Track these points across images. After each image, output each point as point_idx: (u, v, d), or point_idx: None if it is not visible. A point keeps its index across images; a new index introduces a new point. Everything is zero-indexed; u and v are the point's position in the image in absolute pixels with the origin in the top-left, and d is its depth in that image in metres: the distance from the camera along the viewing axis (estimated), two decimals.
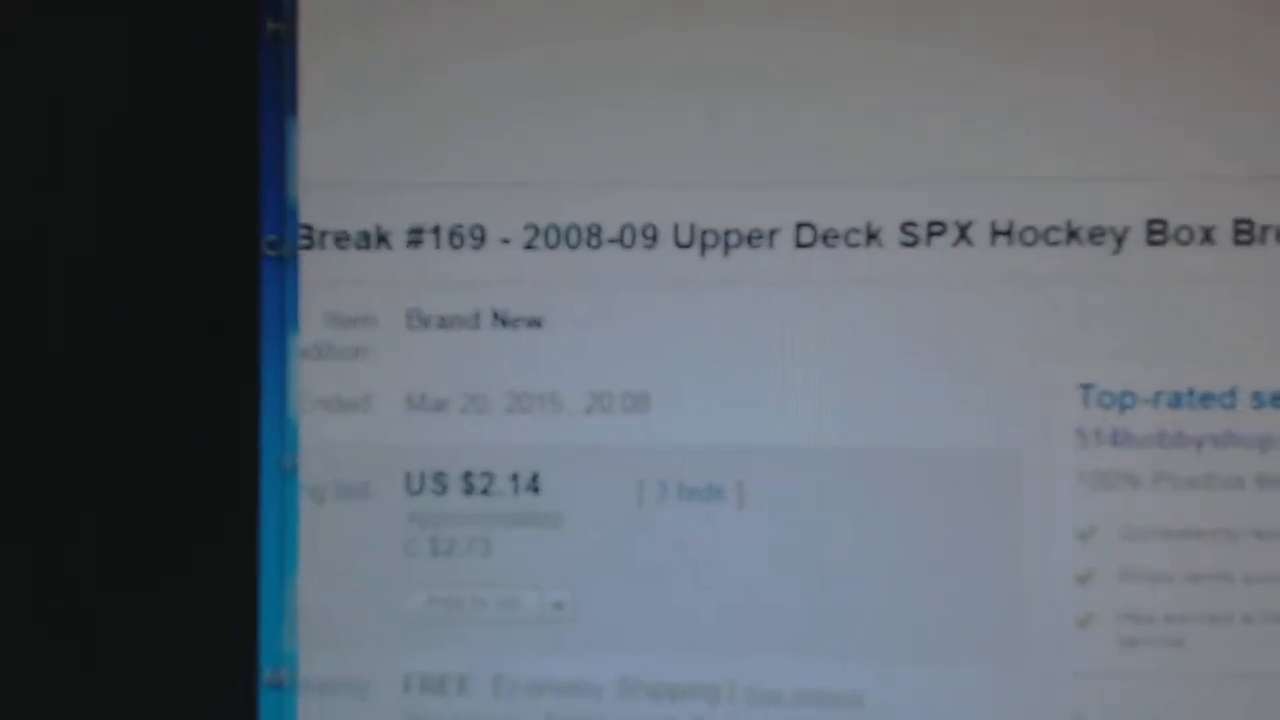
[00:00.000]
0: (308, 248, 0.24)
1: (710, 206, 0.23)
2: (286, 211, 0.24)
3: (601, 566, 0.24)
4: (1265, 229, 0.23)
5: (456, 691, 0.24)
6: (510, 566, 0.24)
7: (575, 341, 0.24)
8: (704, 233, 0.24)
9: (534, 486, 0.24)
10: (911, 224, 0.23)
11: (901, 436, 0.23)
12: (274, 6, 0.24)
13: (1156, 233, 0.23)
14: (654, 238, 0.24)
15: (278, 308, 0.24)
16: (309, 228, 0.24)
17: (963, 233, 0.23)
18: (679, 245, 0.24)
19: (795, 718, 0.23)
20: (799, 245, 0.23)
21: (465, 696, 0.24)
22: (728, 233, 0.23)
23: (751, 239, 0.23)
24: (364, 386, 0.24)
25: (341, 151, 0.24)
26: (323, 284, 0.24)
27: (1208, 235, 0.23)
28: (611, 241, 0.24)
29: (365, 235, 0.24)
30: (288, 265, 0.24)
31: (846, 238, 0.23)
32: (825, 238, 0.23)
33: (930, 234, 0.23)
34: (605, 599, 0.24)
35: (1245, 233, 0.23)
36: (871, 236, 0.23)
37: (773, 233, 0.23)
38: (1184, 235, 0.23)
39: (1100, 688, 0.23)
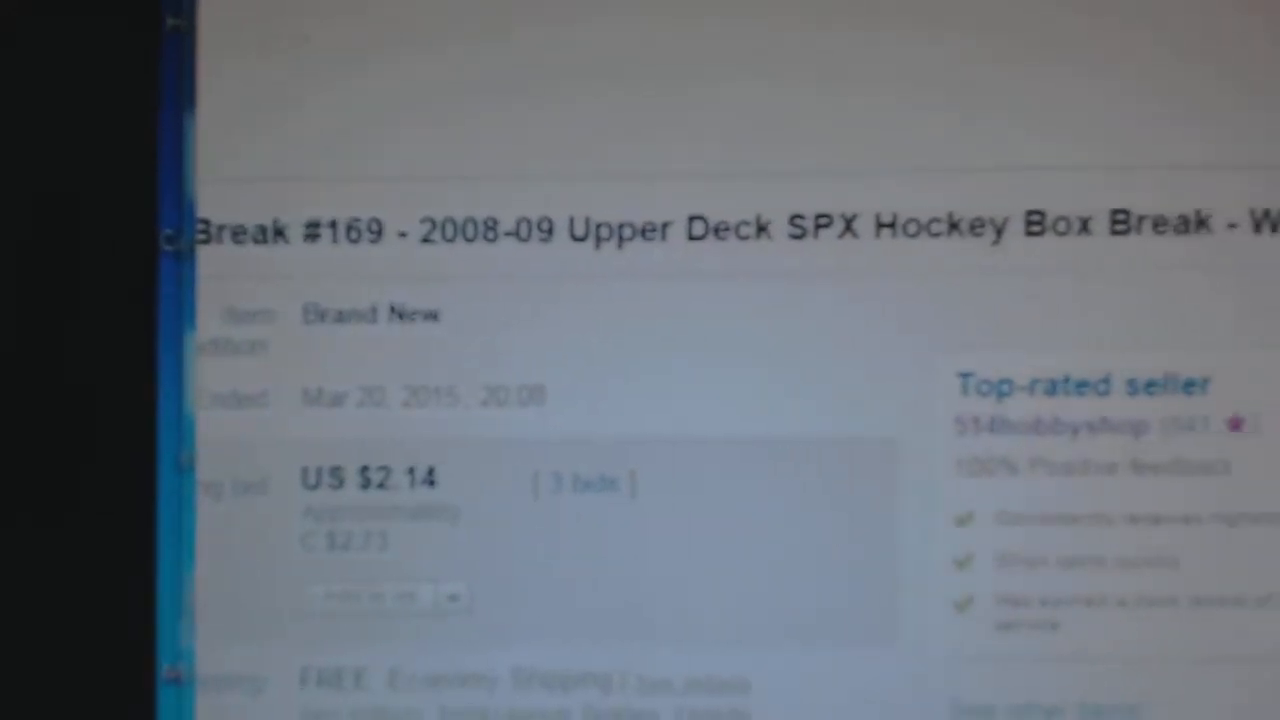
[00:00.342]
0: (205, 242, 0.24)
1: (605, 199, 0.24)
2: (184, 206, 0.24)
3: (497, 559, 0.24)
4: (1141, 219, 0.24)
5: (353, 685, 0.24)
6: (407, 560, 0.24)
7: (472, 335, 0.24)
8: (599, 225, 0.24)
9: (430, 480, 0.24)
10: (799, 216, 0.24)
11: (787, 425, 0.24)
12: (174, 3, 0.24)
13: (1035, 223, 0.24)
14: (550, 231, 0.24)
15: (175, 303, 0.24)
16: (206, 222, 0.24)
17: (848, 225, 0.24)
18: (574, 238, 0.24)
19: (685, 705, 0.24)
20: (691, 238, 0.24)
21: (361, 690, 0.24)
22: (622, 225, 0.24)
23: (645, 232, 0.24)
24: (261, 382, 0.24)
25: (239, 146, 0.24)
26: (220, 279, 0.24)
27: (1085, 225, 0.23)
28: (508, 235, 0.24)
29: (262, 229, 0.24)
30: (185, 260, 0.24)
31: (737, 230, 0.24)
32: (716, 230, 0.24)
33: (817, 226, 0.24)
34: (501, 591, 0.24)
35: (1122, 223, 0.24)
36: (761, 229, 0.24)
37: (665, 225, 0.24)
38: (1061, 226, 0.23)
39: (978, 670, 0.24)
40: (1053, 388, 0.24)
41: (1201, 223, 0.23)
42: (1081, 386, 0.24)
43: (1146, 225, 0.24)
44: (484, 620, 0.24)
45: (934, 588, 0.24)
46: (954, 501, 0.24)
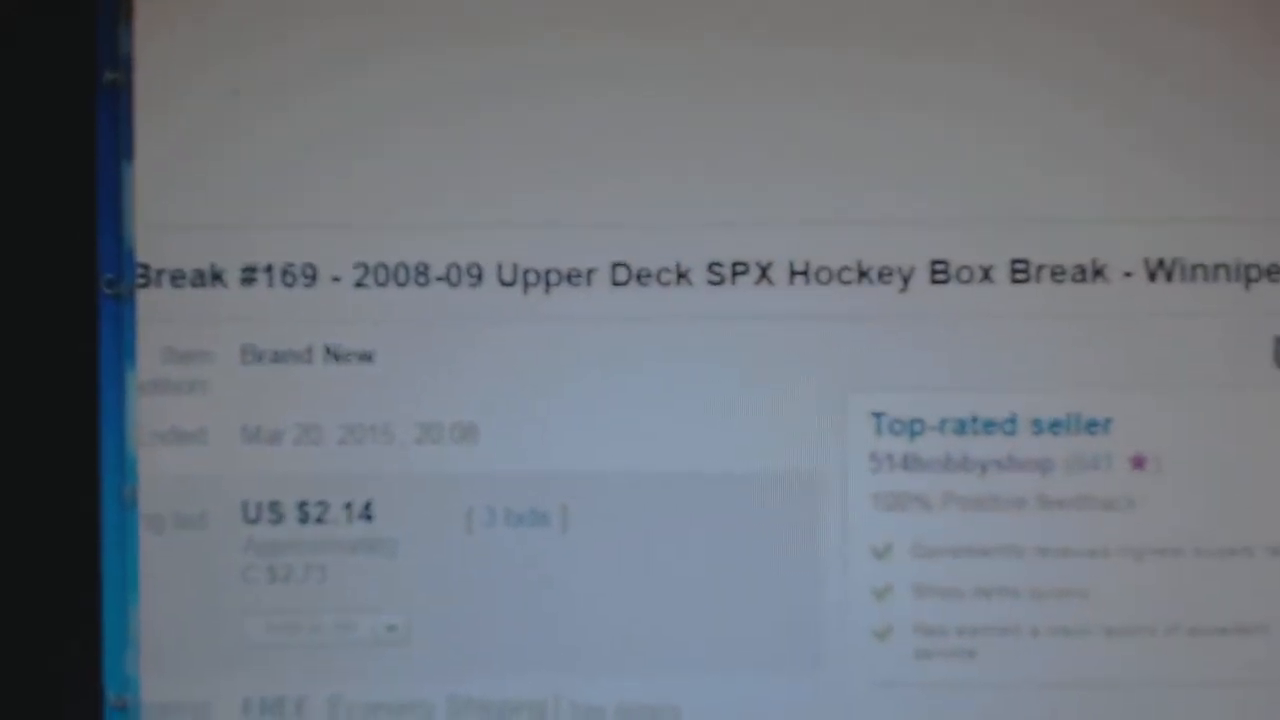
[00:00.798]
0: (145, 286, 0.24)
1: (532, 247, 0.25)
2: (124, 252, 0.25)
3: (433, 590, 0.25)
4: (1040, 268, 0.25)
5: (294, 713, 0.25)
6: (345, 592, 0.25)
7: (405, 375, 0.25)
8: (526, 272, 0.25)
9: (367, 514, 0.25)
10: (718, 264, 0.25)
11: (713, 461, 0.24)
12: (110, 58, 0.25)
13: (940, 272, 0.25)
14: (479, 276, 0.25)
15: (116, 344, 0.24)
16: (146, 267, 0.25)
17: (764, 272, 0.25)
18: (503, 283, 0.25)
19: None
20: (615, 284, 0.25)
21: (302, 718, 0.25)
22: (548, 272, 0.25)
23: (571, 278, 0.25)
24: (201, 420, 0.24)
25: (177, 194, 0.25)
26: (160, 321, 0.24)
27: (986, 274, 0.25)
28: (439, 279, 0.25)
29: (200, 274, 0.25)
30: (125, 303, 0.24)
31: (658, 277, 0.25)
32: (639, 277, 0.25)
33: (735, 273, 0.25)
34: (437, 622, 0.25)
35: (1021, 272, 0.25)
36: (681, 275, 0.25)
37: (590, 272, 0.25)
38: (965, 274, 0.24)
39: (899, 696, 0.25)
40: (962, 427, 0.24)
41: (1098, 272, 0.24)
42: (989, 426, 0.24)
43: (1045, 274, 0.24)
44: (421, 650, 0.25)
45: (855, 617, 0.24)
46: (871, 534, 0.24)
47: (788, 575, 0.24)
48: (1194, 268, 0.25)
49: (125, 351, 0.25)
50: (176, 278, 0.25)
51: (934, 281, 0.25)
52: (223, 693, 0.25)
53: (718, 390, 0.25)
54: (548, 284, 0.25)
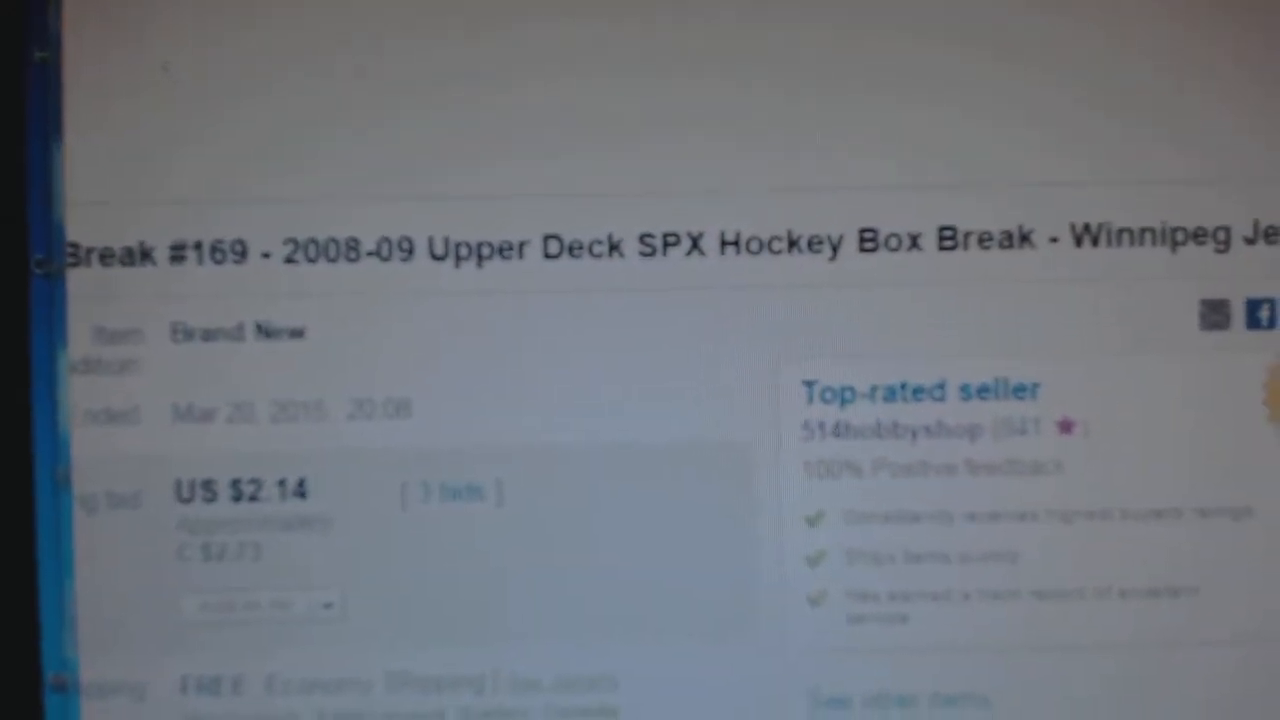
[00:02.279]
0: (75, 265, 0.25)
1: (463, 220, 0.25)
2: (54, 230, 0.25)
3: (369, 567, 0.25)
4: (967, 235, 0.25)
5: (231, 692, 0.25)
6: (280, 569, 0.25)
7: (337, 351, 0.25)
8: (458, 245, 0.25)
9: (301, 491, 0.25)
10: (649, 235, 0.25)
11: (646, 432, 0.25)
12: (40, 37, 0.25)
13: (868, 240, 0.25)
14: (410, 250, 0.25)
15: (47, 324, 0.25)
16: (75, 246, 0.25)
17: (695, 243, 0.25)
18: (434, 257, 0.25)
19: (554, 703, 0.25)
20: (547, 256, 0.25)
21: (240, 696, 0.25)
22: (480, 245, 0.25)
23: (502, 250, 0.25)
24: (133, 399, 0.25)
25: (106, 171, 0.25)
26: (90, 300, 0.25)
27: (914, 242, 0.25)
28: (369, 254, 0.25)
29: (130, 252, 0.25)
30: (56, 283, 0.25)
31: (590, 249, 0.25)
32: (571, 249, 0.25)
33: (666, 245, 0.25)
34: (373, 598, 0.25)
35: (949, 239, 0.25)
36: (613, 247, 0.25)
37: (522, 244, 0.25)
38: (893, 242, 0.25)
39: (833, 661, 0.25)
40: (891, 394, 0.25)
41: (1024, 238, 0.25)
42: (918, 392, 0.25)
43: (973, 240, 0.25)
44: (358, 626, 0.25)
45: (789, 583, 0.25)
46: (804, 502, 0.25)
47: (722, 544, 0.25)
48: (1120, 232, 0.25)
49: (56, 331, 0.25)
50: (106, 256, 0.25)
51: (863, 250, 0.25)
52: (160, 672, 0.25)
53: (651, 361, 0.25)
54: (480, 257, 0.25)
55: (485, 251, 0.25)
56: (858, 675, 0.25)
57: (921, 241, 0.25)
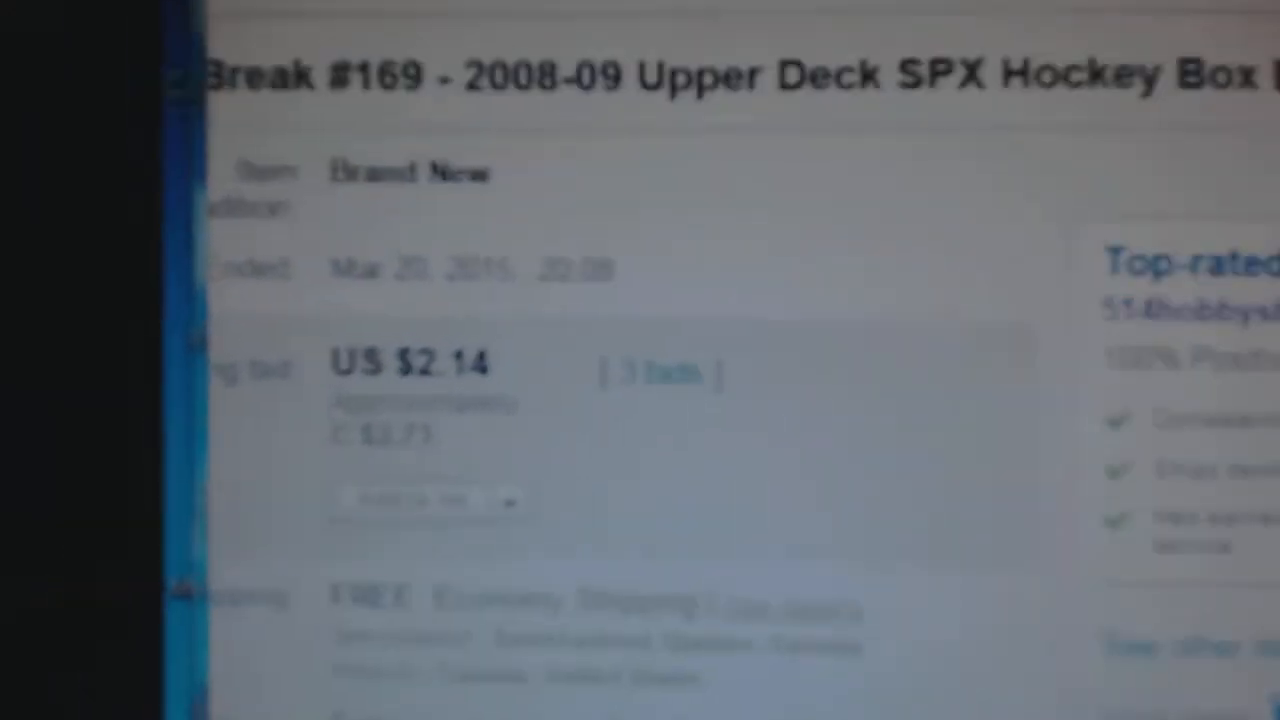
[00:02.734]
0: (216, 87, 0.22)
1: (681, 41, 0.22)
2: (192, 45, 0.22)
3: (559, 458, 0.22)
4: None
5: (393, 603, 0.23)
6: (454, 458, 0.22)
7: (527, 198, 0.22)
8: (674, 72, 0.22)
9: (481, 366, 0.22)
10: (913, 62, 0.22)
11: (903, 309, 0.22)
12: None
13: (1191, 73, 0.22)
14: (616, 78, 0.22)
15: (182, 157, 0.22)
16: (218, 64, 0.22)
17: (971, 72, 0.22)
18: (645, 86, 0.22)
19: (784, 634, 0.22)
20: (783, 86, 0.22)
21: (403, 609, 0.23)
22: (701, 72, 0.22)
23: (729, 79, 0.22)
24: (282, 248, 0.22)
25: None
26: (234, 129, 0.22)
27: (1248, 77, 0.21)
28: (568, 82, 0.22)
29: (282, 73, 0.22)
30: (193, 108, 0.22)
31: (839, 78, 0.22)
32: (814, 78, 0.22)
33: (934, 73, 0.22)
34: (564, 496, 0.22)
35: None
36: (867, 76, 0.22)
37: (753, 72, 0.22)
38: (1221, 76, 0.21)
39: (1135, 597, 0.22)
40: (1219, 265, 0.22)
41: None
42: (1253, 265, 0.22)
43: None
44: (545, 529, 0.22)
45: (1082, 501, 0.22)
46: (1105, 399, 0.22)
47: (999, 451, 0.22)
48: None
49: (194, 166, 0.22)
50: (254, 77, 0.22)
51: (1184, 85, 0.22)
52: (306, 578, 0.23)
53: (911, 220, 0.22)
54: (700, 86, 0.22)
55: (707, 80, 0.22)
56: (1165, 615, 0.22)
57: (1257, 76, 0.21)
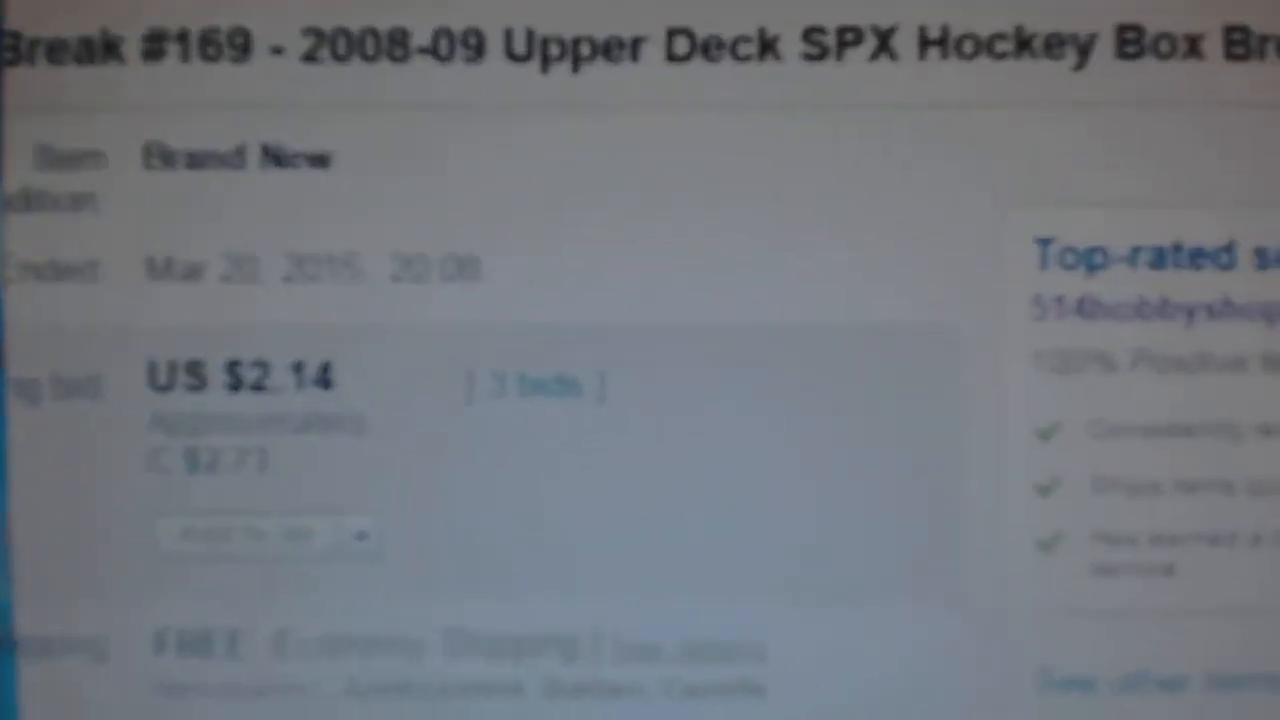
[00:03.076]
0: (12, 62, 0.21)
1: (554, 6, 0.21)
2: None
3: (417, 484, 0.21)
4: (1264, 40, 0.20)
5: (225, 652, 0.21)
6: (295, 486, 0.21)
7: (376, 186, 0.21)
8: (545, 41, 0.21)
9: (324, 380, 0.21)
10: (818, 30, 0.20)
11: (812, 309, 0.20)
12: None
13: (1130, 42, 0.20)
14: (479, 47, 0.21)
15: None
16: (15, 35, 0.21)
17: (883, 42, 0.20)
18: (512, 57, 0.21)
19: (679, 678, 0.21)
20: (671, 58, 0.21)
21: (237, 658, 0.21)
22: (577, 41, 0.21)
23: (609, 50, 0.21)
24: (90, 247, 0.21)
25: None
26: (32, 110, 0.21)
27: (1194, 46, 0.20)
28: (423, 52, 0.21)
29: (88, 44, 0.21)
30: None
31: (734, 49, 0.21)
32: (706, 48, 0.21)
33: (842, 43, 0.21)
34: (423, 527, 0.21)
35: (1239, 44, 0.20)
36: (766, 47, 0.20)
37: (637, 42, 0.21)
38: (1164, 46, 0.20)
39: (1071, 629, 0.21)
40: (1160, 258, 0.20)
41: None
42: (1198, 257, 0.21)
43: (1270, 48, 0.20)
44: (402, 565, 0.21)
45: (1011, 522, 0.21)
46: (1035, 408, 0.21)
47: (916, 465, 0.21)
48: None
49: None
50: (55, 50, 0.21)
51: (1122, 55, 0.20)
52: (126, 624, 0.21)
53: (816, 210, 0.20)
54: (577, 57, 0.21)
55: (584, 51, 0.20)
56: (1104, 648, 0.21)
57: (1204, 45, 0.20)
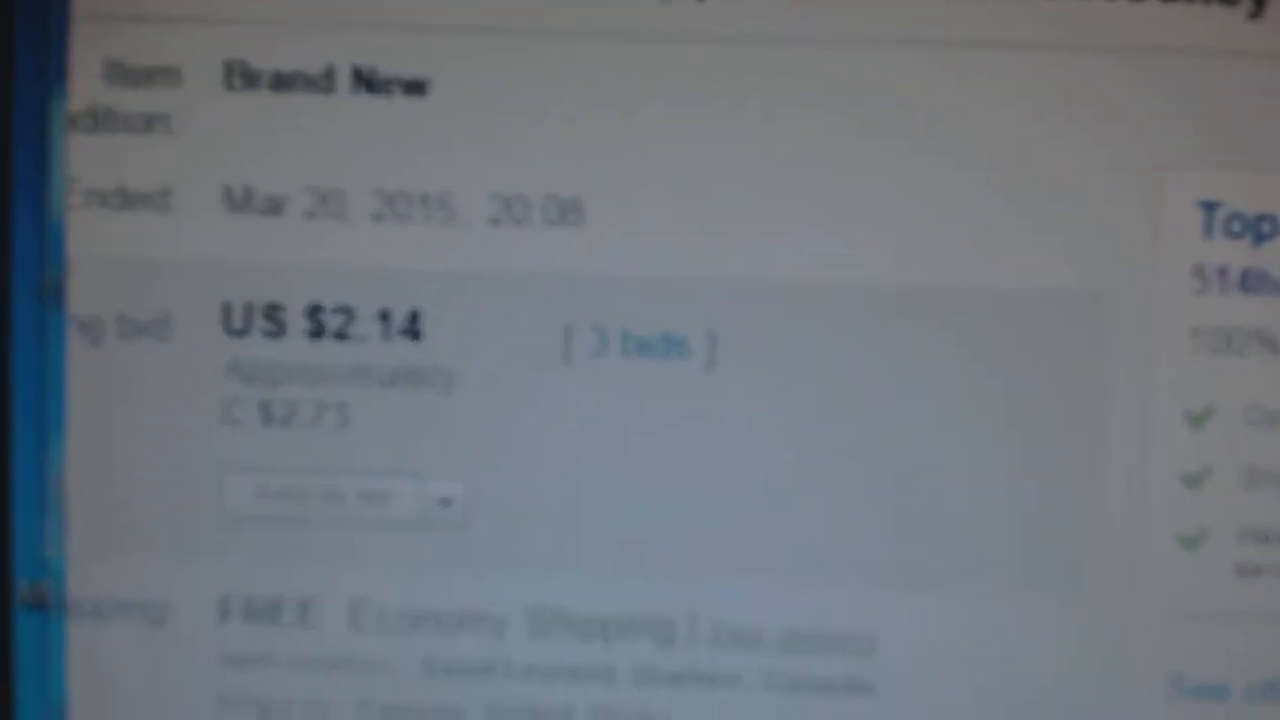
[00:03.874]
0: None
1: None
2: None
3: (509, 448, 0.20)
4: None
5: (296, 621, 0.20)
6: (377, 445, 0.20)
7: (476, 119, 0.19)
8: None
9: (413, 330, 0.20)
10: None
11: (940, 271, 0.19)
12: None
13: None
14: None
15: (35, 56, 0.19)
16: None
17: None
18: None
19: (780, 667, 0.20)
20: None
21: (308, 629, 0.20)
22: None
23: None
24: (162, 174, 0.20)
25: None
26: (103, 19, 0.20)
27: None
28: None
29: None
30: None
31: None
32: None
33: None
34: (512, 495, 0.20)
35: None
36: None
37: None
38: None
39: (1209, 632, 0.20)
40: None
41: None
42: None
43: None
44: (488, 535, 0.20)
45: (1153, 514, 0.20)
46: (1187, 390, 0.20)
47: (1050, 447, 0.20)
48: None
49: (50, 68, 0.20)
50: None
51: None
52: (188, 588, 0.20)
53: (950, 162, 0.19)
54: None
55: None
56: (1245, 653, 0.20)
57: None
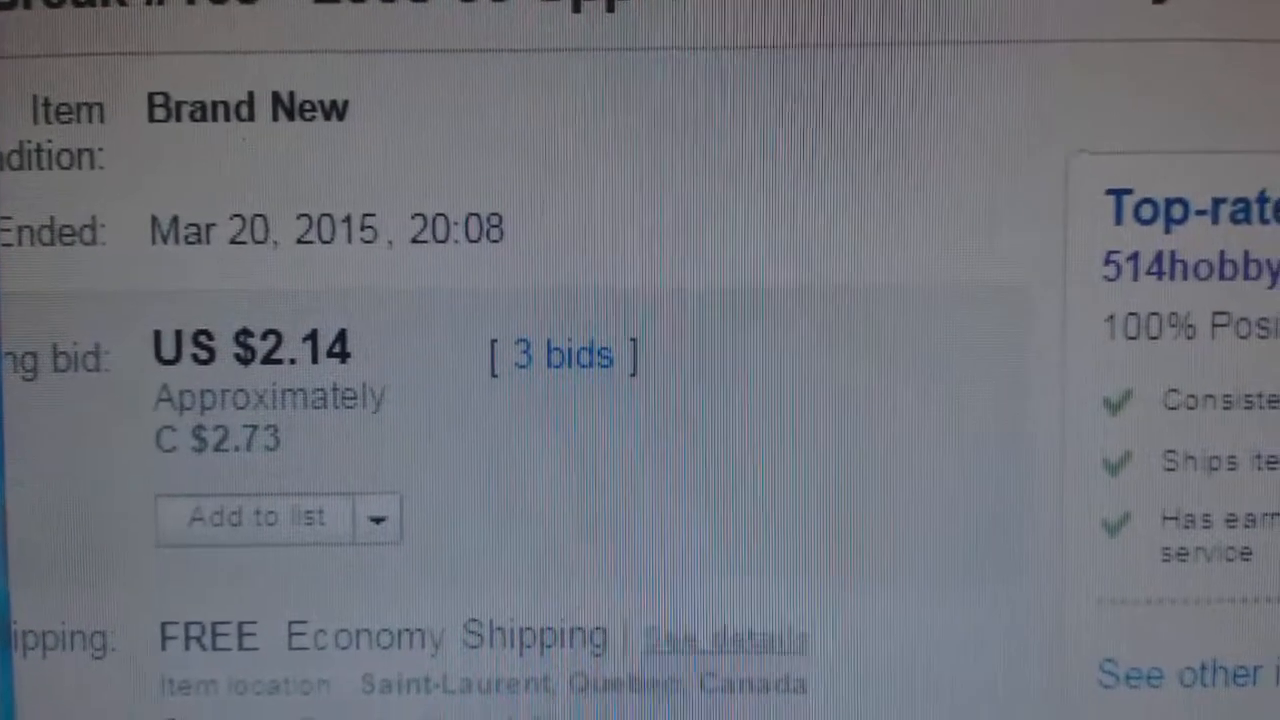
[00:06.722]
0: (7, 6, 0.20)
1: None
2: None
3: (440, 463, 0.21)
4: None
5: (235, 645, 0.21)
6: (309, 466, 0.21)
7: (392, 138, 0.20)
8: None
9: (340, 351, 0.21)
10: None
11: (860, 270, 0.20)
12: None
13: None
14: None
15: None
16: None
17: None
18: None
19: (716, 670, 0.21)
20: None
21: (247, 652, 0.21)
22: None
23: None
24: (89, 207, 0.21)
25: None
26: (26, 58, 0.20)
27: None
28: None
29: None
30: None
31: None
32: None
33: None
34: (446, 509, 0.21)
35: None
36: None
37: None
38: None
39: (1137, 618, 0.20)
40: (1245, 211, 0.20)
41: None
42: None
43: None
44: (422, 551, 0.21)
45: (1076, 500, 0.20)
46: (1105, 376, 0.20)
47: (974, 436, 0.20)
48: None
49: None
50: None
51: None
52: (128, 616, 0.21)
53: (865, 153, 0.20)
54: None
55: None
56: (1173, 637, 0.20)
57: None
